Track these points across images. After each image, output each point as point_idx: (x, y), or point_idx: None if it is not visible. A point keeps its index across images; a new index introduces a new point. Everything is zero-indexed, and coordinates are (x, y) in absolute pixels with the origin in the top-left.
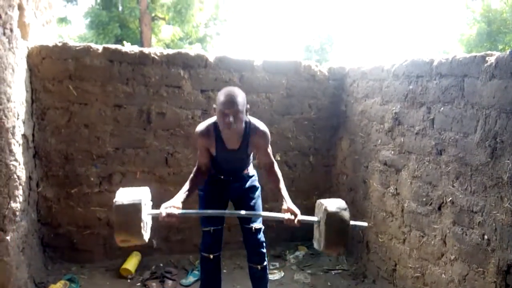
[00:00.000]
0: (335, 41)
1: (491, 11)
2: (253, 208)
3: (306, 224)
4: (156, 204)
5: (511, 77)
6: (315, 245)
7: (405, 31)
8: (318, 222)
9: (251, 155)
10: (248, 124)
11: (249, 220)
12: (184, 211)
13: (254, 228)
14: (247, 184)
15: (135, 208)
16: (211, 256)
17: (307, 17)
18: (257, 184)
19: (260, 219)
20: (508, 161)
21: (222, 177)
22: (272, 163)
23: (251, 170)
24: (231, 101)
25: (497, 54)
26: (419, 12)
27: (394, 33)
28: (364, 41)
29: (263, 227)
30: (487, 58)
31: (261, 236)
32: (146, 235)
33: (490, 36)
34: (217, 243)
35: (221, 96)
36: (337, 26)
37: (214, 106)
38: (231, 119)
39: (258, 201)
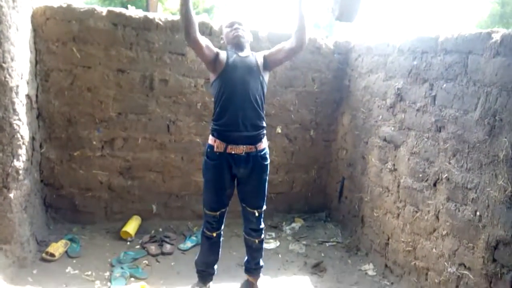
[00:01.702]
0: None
1: None
2: (261, 191)
3: (303, 197)
4: (158, 170)
5: None
6: (330, 15)
7: (416, 8)
8: None
9: (264, 90)
10: (253, 53)
11: (254, 204)
12: None
13: (258, 212)
14: (259, 166)
15: None
16: (215, 234)
17: None
18: (268, 160)
19: (264, 202)
20: (505, 139)
21: (233, 148)
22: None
23: (265, 143)
24: (236, 18)
25: (502, 31)
26: None
27: (405, 11)
28: (374, 18)
29: (265, 208)
30: (492, 35)
31: (262, 217)
32: None
33: (503, 18)
34: (221, 223)
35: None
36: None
37: (222, 36)
38: (238, 26)
39: (266, 183)
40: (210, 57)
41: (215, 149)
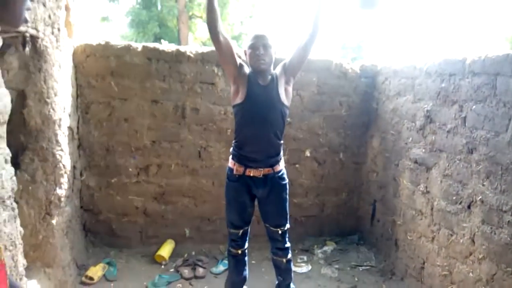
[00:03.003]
0: (372, 38)
1: None
2: (282, 209)
3: (335, 220)
4: (190, 195)
5: None
6: (355, 3)
7: (450, 28)
8: None
9: (284, 119)
10: (274, 72)
11: (276, 223)
12: None
13: (281, 231)
14: (277, 186)
15: None
16: (240, 251)
17: (344, 14)
18: (286, 180)
19: (287, 220)
20: None
21: (251, 171)
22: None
23: (282, 164)
24: (260, 35)
25: None
26: (464, 9)
27: (437, 31)
28: (404, 37)
29: (289, 227)
30: None
31: (287, 236)
32: None
33: None
34: (245, 240)
35: (251, 35)
36: (375, 22)
37: (245, 50)
38: (262, 51)
39: (286, 202)
40: (230, 59)
41: (234, 172)
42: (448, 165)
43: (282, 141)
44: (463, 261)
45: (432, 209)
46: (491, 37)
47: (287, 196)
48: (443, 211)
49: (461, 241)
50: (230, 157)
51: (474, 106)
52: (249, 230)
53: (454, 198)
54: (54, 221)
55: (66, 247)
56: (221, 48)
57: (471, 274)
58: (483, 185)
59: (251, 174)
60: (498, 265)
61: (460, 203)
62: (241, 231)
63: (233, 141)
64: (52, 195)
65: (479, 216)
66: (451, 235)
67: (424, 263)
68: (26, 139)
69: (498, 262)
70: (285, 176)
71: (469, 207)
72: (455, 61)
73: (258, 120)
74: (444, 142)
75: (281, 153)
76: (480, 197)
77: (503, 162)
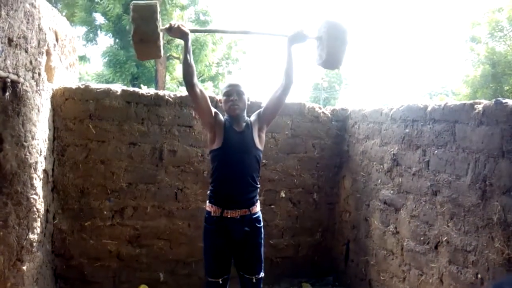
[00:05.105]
0: (344, 79)
1: (495, 54)
2: (258, 256)
3: (310, 261)
4: (165, 238)
5: (496, 124)
6: (317, 62)
7: (414, 70)
8: (320, 37)
9: (259, 163)
10: (248, 118)
11: (252, 270)
12: (194, 28)
13: (256, 279)
14: (253, 228)
15: (152, 11)
16: None
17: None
18: (261, 224)
19: (262, 268)
20: (497, 203)
21: (228, 212)
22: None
23: (258, 207)
24: (233, 83)
25: (484, 102)
26: (426, 53)
27: (403, 73)
28: (374, 79)
29: (263, 275)
30: (475, 106)
31: (261, 285)
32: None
33: (495, 78)
34: None
35: (226, 84)
36: (347, 64)
37: (219, 98)
38: (235, 97)
39: (261, 248)
40: (206, 109)
41: (212, 214)
42: (415, 206)
43: (258, 184)
44: None
45: (402, 249)
46: (452, 81)
47: (262, 242)
48: (412, 251)
49: (431, 281)
50: (208, 200)
51: (436, 151)
52: (228, 280)
53: (422, 238)
54: (24, 267)
55: None
56: (197, 100)
57: None
58: (448, 226)
59: (229, 216)
60: None
61: (428, 243)
62: (221, 280)
63: (210, 185)
64: (24, 240)
65: (446, 256)
66: (421, 275)
67: None
68: (0, 183)
69: None
70: (261, 219)
71: (436, 247)
72: (417, 108)
73: (235, 164)
74: (410, 184)
75: (257, 196)
76: (446, 237)
77: (465, 204)
